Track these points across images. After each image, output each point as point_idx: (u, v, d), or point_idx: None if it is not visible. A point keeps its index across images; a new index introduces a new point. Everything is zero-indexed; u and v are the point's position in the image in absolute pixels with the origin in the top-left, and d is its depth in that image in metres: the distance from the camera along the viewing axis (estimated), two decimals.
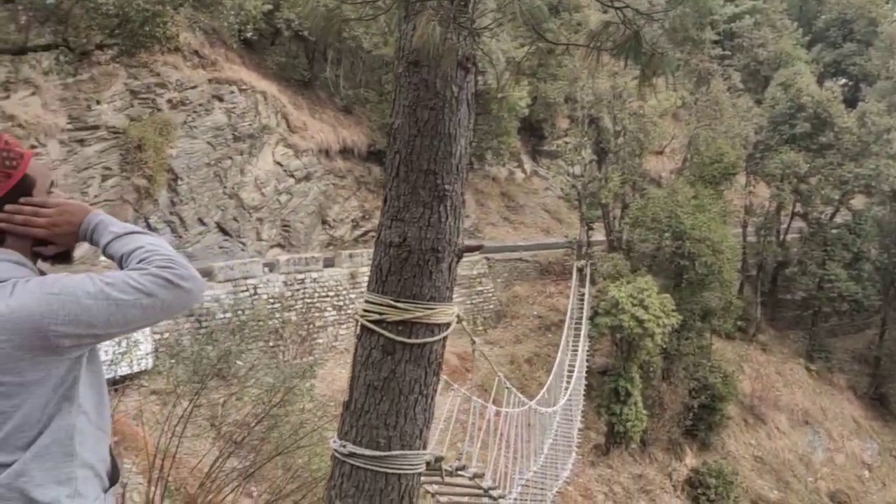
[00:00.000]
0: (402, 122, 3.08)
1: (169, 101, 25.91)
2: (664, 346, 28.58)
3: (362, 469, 3.07)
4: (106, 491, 1.77)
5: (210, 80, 27.35)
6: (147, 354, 14.71)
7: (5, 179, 1.68)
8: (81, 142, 23.49)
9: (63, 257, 1.83)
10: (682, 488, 29.60)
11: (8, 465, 1.60)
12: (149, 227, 24.94)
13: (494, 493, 7.34)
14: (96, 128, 23.88)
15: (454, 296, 3.34)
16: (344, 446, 3.12)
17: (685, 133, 39.30)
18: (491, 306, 30.68)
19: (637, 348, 27.76)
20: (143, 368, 14.23)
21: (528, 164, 42.78)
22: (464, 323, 3.39)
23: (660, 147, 40.09)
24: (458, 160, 3.09)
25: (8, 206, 1.69)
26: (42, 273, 1.76)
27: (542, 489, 14.05)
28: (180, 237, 25.97)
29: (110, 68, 23.40)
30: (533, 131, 41.70)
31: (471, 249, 3.41)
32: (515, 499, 10.18)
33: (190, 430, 8.04)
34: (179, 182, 25.93)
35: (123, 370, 8.98)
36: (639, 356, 28.26)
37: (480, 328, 29.40)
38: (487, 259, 31.38)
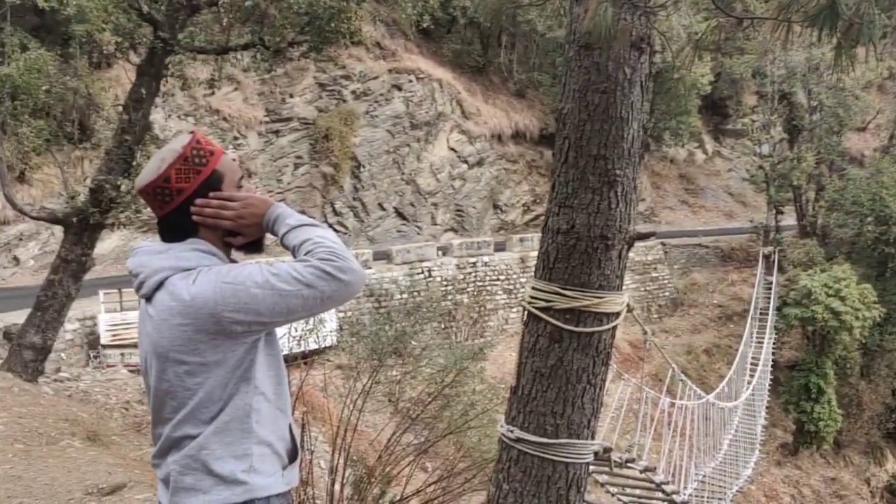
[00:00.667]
0: (572, 106, 3.03)
1: (353, 92, 27.29)
2: (864, 341, 26.05)
3: (529, 455, 3.08)
4: (284, 468, 1.87)
5: (390, 71, 28.45)
6: (332, 332, 15.68)
7: (195, 175, 1.83)
8: (277, 133, 25.39)
9: (254, 247, 1.95)
10: (881, 495, 26.96)
11: (194, 437, 1.76)
12: (334, 211, 26.49)
13: (668, 487, 7.08)
14: (289, 119, 25.70)
15: (627, 282, 3.26)
16: (511, 431, 3.15)
17: (893, 107, 35.35)
18: (666, 293, 29.55)
19: (832, 342, 25.53)
20: (329, 344, 15.18)
21: (709, 145, 40.54)
22: (635, 312, 3.30)
23: (862, 123, 36.40)
24: (629, 144, 2.99)
25: (198, 200, 1.83)
26: (234, 262, 1.90)
27: (721, 487, 13.38)
28: (362, 221, 27.35)
29: (301, 63, 24.97)
30: (716, 109, 39.38)
31: (643, 237, 3.31)
32: (691, 495, 9.77)
33: (369, 405, 8.46)
34: (361, 169, 27.27)
35: (311, 346, 9.63)
36: (834, 351, 25.98)
37: (655, 316, 28.43)
38: (663, 244, 30.20)
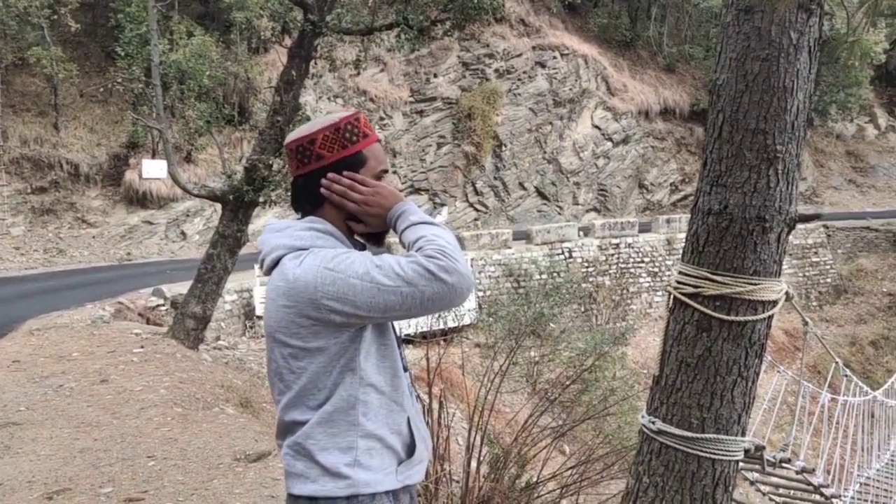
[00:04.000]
0: (728, 76, 2.79)
1: (496, 70, 27.21)
2: None
3: (672, 449, 2.91)
4: (400, 463, 1.78)
5: (534, 48, 28.10)
6: (470, 310, 15.79)
7: (340, 149, 1.81)
8: (421, 113, 25.81)
9: (375, 239, 1.89)
10: None
11: (302, 424, 1.72)
12: (475, 191, 26.65)
13: (827, 490, 6.56)
14: (433, 99, 26.04)
15: (784, 267, 2.98)
16: (653, 423, 2.99)
17: None
18: (828, 280, 27.43)
19: None
20: (468, 322, 15.31)
21: (882, 119, 37.04)
22: (794, 301, 3.01)
23: None
24: (793, 117, 2.72)
25: (330, 174, 1.81)
26: (363, 247, 1.86)
27: (886, 490, 12.29)
28: (502, 201, 27.33)
29: (445, 43, 25.17)
30: (890, 80, 35.89)
31: (806, 219, 3.00)
32: (853, 498, 9.02)
33: (507, 385, 8.44)
34: (503, 148, 27.20)
35: (450, 324, 9.72)
36: None
37: (814, 304, 26.50)
38: (826, 227, 28.00)
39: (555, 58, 28.46)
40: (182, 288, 12.08)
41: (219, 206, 11.24)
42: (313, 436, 1.71)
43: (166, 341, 9.19)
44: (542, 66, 28.21)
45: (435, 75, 26.00)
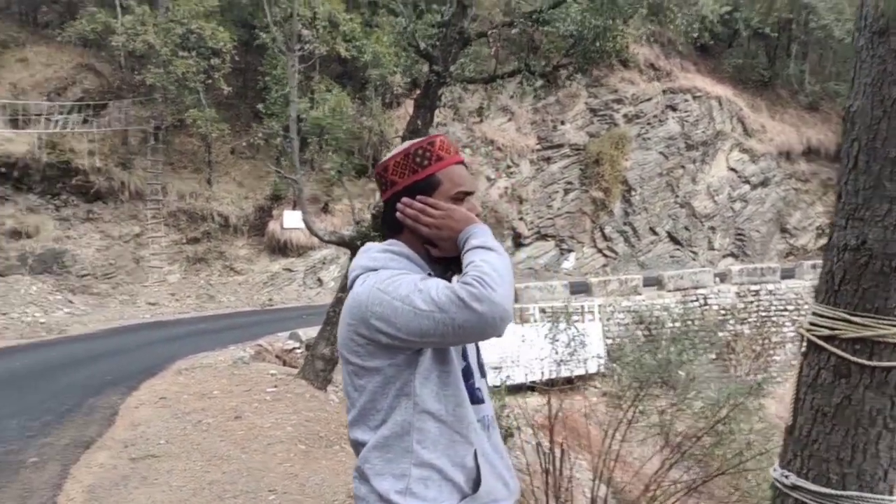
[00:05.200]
0: (863, 103, 2.61)
1: (625, 115, 26.91)
2: None
3: None
4: (464, 498, 1.70)
5: (664, 91, 27.60)
6: (596, 356, 15.39)
7: (410, 174, 1.82)
8: (548, 160, 25.85)
9: (455, 263, 1.79)
10: None
11: (363, 445, 1.72)
12: (604, 236, 26.20)
13: None
14: (560, 146, 26.03)
15: None
16: (786, 476, 2.76)
17: None
18: None
19: None
20: (596, 371, 14.92)
21: None
22: None
23: None
24: None
25: (403, 199, 1.81)
26: (445, 271, 1.82)
27: None
28: (632, 246, 26.68)
29: (573, 90, 25.20)
30: None
31: None
32: None
33: (635, 435, 8.12)
34: (633, 193, 26.68)
35: (577, 372, 9.49)
36: None
37: None
38: None
39: (686, 100, 27.80)
40: (316, 332, 12.53)
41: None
42: (370, 460, 1.71)
43: (297, 381, 9.54)
44: (673, 109, 27.61)
45: (562, 122, 26.04)
